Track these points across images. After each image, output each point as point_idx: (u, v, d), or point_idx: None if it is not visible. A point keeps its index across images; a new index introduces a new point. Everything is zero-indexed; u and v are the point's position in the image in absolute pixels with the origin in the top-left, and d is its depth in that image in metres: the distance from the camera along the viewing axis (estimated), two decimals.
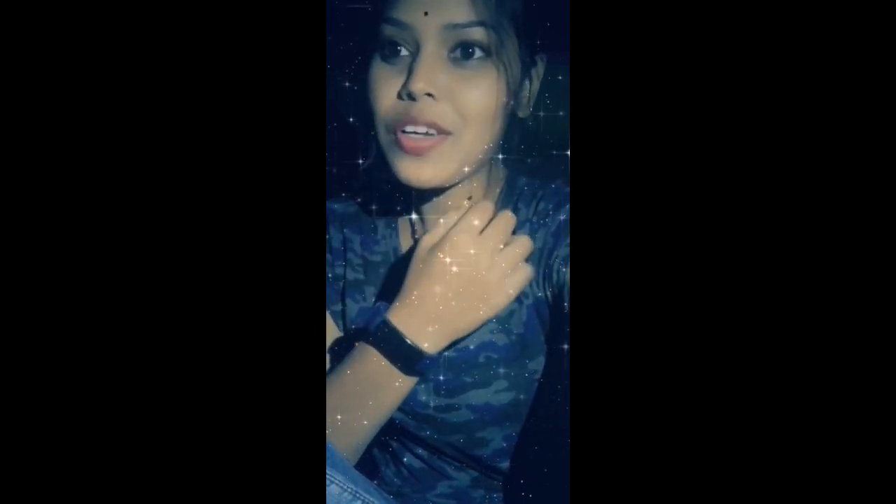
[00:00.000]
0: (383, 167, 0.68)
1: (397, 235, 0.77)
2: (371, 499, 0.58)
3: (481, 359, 0.71)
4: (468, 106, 0.64)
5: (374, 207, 0.77)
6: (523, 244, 0.64)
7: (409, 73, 0.63)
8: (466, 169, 0.67)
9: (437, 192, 0.70)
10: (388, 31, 0.64)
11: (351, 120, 0.74)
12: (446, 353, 0.68)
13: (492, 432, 0.73)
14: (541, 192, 0.72)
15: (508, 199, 0.73)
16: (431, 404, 0.72)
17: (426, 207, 0.73)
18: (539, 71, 0.70)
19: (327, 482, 0.56)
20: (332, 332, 0.78)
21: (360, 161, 0.72)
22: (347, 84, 0.70)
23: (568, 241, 0.67)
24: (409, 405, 0.72)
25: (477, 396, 0.71)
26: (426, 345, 0.63)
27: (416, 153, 0.64)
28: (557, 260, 0.67)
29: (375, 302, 0.76)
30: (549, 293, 0.69)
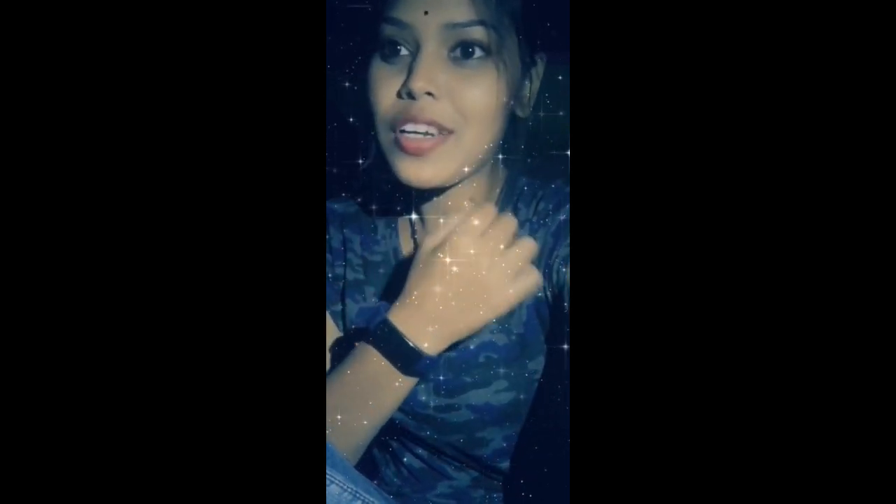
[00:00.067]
0: (383, 167, 0.68)
1: (397, 235, 0.77)
2: (371, 499, 0.58)
3: (481, 359, 0.71)
4: (468, 105, 0.64)
5: (374, 207, 0.77)
6: (526, 247, 0.63)
7: (409, 72, 0.63)
8: (466, 169, 0.67)
9: (437, 192, 0.70)
10: (388, 30, 0.64)
11: (351, 120, 0.74)
12: (446, 354, 0.68)
13: (492, 432, 0.73)
14: (541, 192, 0.72)
15: (508, 199, 0.73)
16: (431, 404, 0.72)
17: (426, 207, 0.73)
18: (539, 70, 0.70)
19: (327, 482, 0.56)
20: (332, 332, 0.78)
21: (360, 161, 0.72)
22: (347, 84, 0.70)
23: (568, 241, 0.67)
24: (409, 405, 0.72)
25: (477, 396, 0.71)
26: (426, 345, 0.63)
27: (417, 153, 0.64)
28: (557, 260, 0.67)
29: (377, 302, 0.76)
30: (548, 293, 0.69)
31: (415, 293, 0.63)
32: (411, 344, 0.63)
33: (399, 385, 0.64)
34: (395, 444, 0.79)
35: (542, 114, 0.71)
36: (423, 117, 0.63)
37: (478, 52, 0.64)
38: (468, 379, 0.72)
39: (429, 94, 0.63)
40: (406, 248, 0.76)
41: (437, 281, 0.63)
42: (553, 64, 0.71)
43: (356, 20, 0.67)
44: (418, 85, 0.63)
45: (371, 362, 0.64)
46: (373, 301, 0.76)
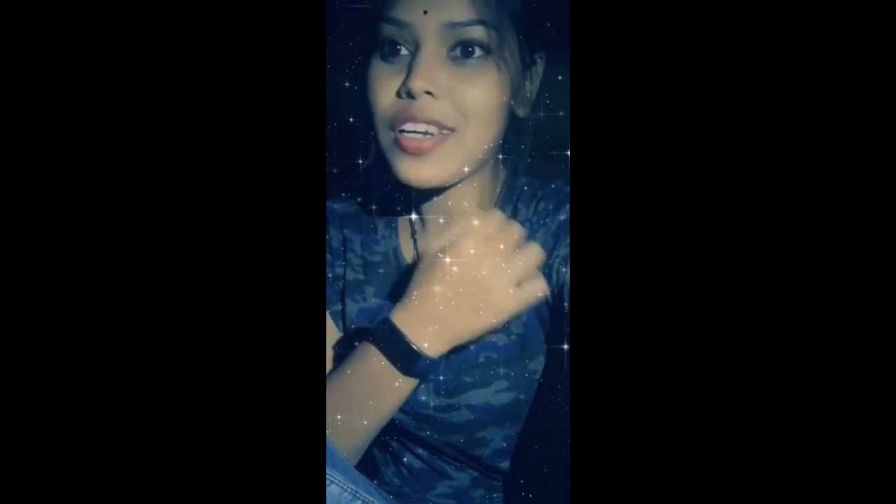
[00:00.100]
0: (383, 167, 0.68)
1: (397, 236, 0.77)
2: (371, 499, 0.58)
3: (481, 359, 0.71)
4: (468, 104, 0.64)
5: (373, 207, 0.77)
6: (533, 253, 0.62)
7: (409, 71, 0.63)
8: (466, 169, 0.67)
9: (437, 192, 0.70)
10: (388, 30, 0.64)
11: (351, 120, 0.74)
12: (447, 355, 0.68)
13: (492, 432, 0.73)
14: (541, 193, 0.72)
15: (508, 199, 0.73)
16: (431, 404, 0.72)
17: (426, 207, 0.73)
18: (539, 70, 0.70)
19: (327, 482, 0.56)
20: (332, 332, 0.78)
21: (360, 161, 0.72)
22: (347, 84, 0.70)
23: (568, 241, 0.67)
24: (409, 405, 0.72)
25: (477, 396, 0.71)
26: (426, 345, 0.63)
27: (417, 153, 0.64)
28: (557, 260, 0.67)
29: (378, 302, 0.76)
30: (548, 293, 0.69)
31: (418, 294, 0.63)
32: (412, 344, 0.63)
33: (399, 385, 0.64)
34: (395, 444, 0.79)
35: (542, 114, 0.71)
36: (423, 116, 0.63)
37: (478, 52, 0.64)
38: (468, 379, 0.72)
39: (428, 93, 0.63)
40: (406, 248, 0.76)
41: (440, 283, 0.62)
42: (553, 64, 0.71)
43: (356, 20, 0.67)
44: (417, 84, 0.62)
45: (371, 362, 0.64)
46: (373, 301, 0.76)
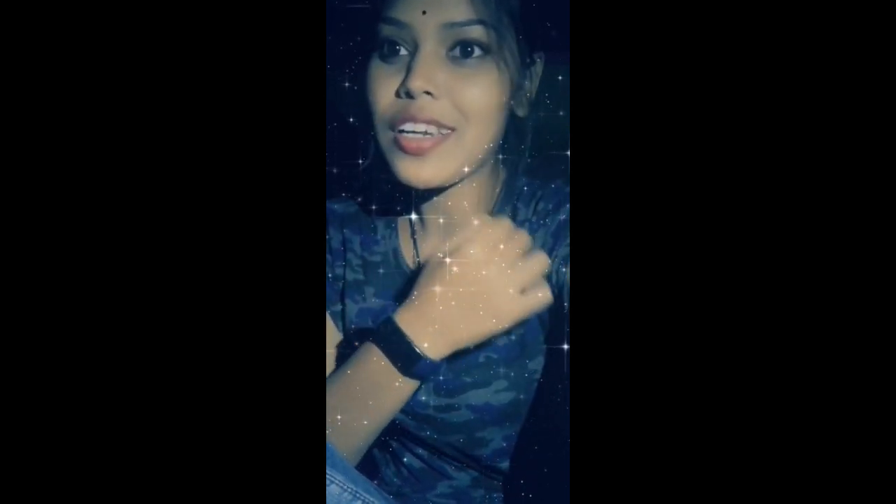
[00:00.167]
0: (383, 167, 0.68)
1: (397, 236, 0.77)
2: (371, 499, 0.58)
3: (481, 359, 0.71)
4: (468, 104, 0.64)
5: (373, 207, 0.77)
6: (538, 261, 0.63)
7: (408, 71, 0.63)
8: (466, 169, 0.66)
9: (437, 192, 0.70)
10: (387, 30, 0.64)
11: (351, 120, 0.74)
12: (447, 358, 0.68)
13: (492, 432, 0.73)
14: (540, 192, 0.72)
15: (508, 199, 0.73)
16: (431, 404, 0.72)
17: (426, 207, 0.73)
18: (538, 70, 0.70)
19: (327, 482, 0.56)
20: (332, 332, 0.78)
21: (360, 161, 0.72)
22: (347, 84, 0.70)
23: (567, 241, 0.67)
24: (409, 405, 0.72)
25: (477, 396, 0.71)
26: (426, 345, 0.63)
27: (417, 153, 0.64)
28: (557, 260, 0.67)
29: (380, 302, 0.76)
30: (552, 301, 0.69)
31: (421, 296, 0.63)
32: (413, 345, 0.63)
33: (399, 386, 0.64)
34: (395, 444, 0.79)
35: (542, 114, 0.71)
36: (423, 116, 0.63)
37: (477, 52, 0.64)
38: (468, 379, 0.72)
39: (427, 93, 0.63)
40: (406, 248, 0.76)
41: (445, 286, 0.62)
42: (552, 64, 0.71)
43: (356, 20, 0.67)
44: (416, 84, 0.62)
45: (372, 361, 0.64)
46: (373, 301, 0.76)
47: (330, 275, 0.78)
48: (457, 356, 0.65)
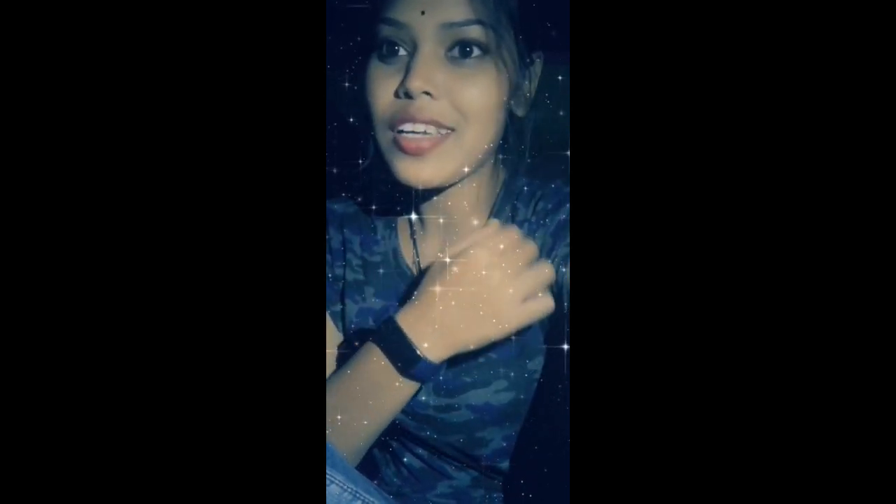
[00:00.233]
0: (383, 167, 0.68)
1: (397, 236, 0.77)
2: (371, 499, 0.58)
3: (481, 359, 0.71)
4: (467, 104, 0.64)
5: (373, 207, 0.77)
6: (543, 272, 0.63)
7: (407, 72, 0.63)
8: (466, 169, 0.67)
9: (437, 192, 0.70)
10: (386, 30, 0.64)
11: (351, 120, 0.74)
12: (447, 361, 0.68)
13: (492, 432, 0.73)
14: (540, 192, 0.72)
15: (507, 199, 0.73)
16: (431, 404, 0.72)
17: (426, 207, 0.73)
18: (536, 70, 0.70)
19: (327, 482, 0.56)
20: (332, 332, 0.78)
21: (360, 161, 0.72)
22: (347, 84, 0.70)
23: (567, 240, 0.67)
24: (409, 405, 0.72)
25: (477, 396, 0.71)
26: (426, 345, 0.63)
27: (416, 153, 0.64)
28: (556, 260, 0.67)
29: (380, 302, 0.76)
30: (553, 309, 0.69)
31: (423, 298, 0.63)
32: (413, 345, 0.63)
33: (399, 386, 0.64)
34: (395, 444, 0.79)
35: (541, 114, 0.71)
36: (422, 116, 0.63)
37: (476, 52, 0.64)
38: (468, 379, 0.72)
39: (426, 93, 0.63)
40: (406, 248, 0.76)
41: (448, 290, 0.63)
42: (552, 64, 0.71)
43: (356, 20, 0.67)
44: (415, 84, 0.62)
45: (372, 361, 0.64)
46: (373, 301, 0.76)
47: (330, 275, 0.78)
48: (456, 362, 0.65)
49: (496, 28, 0.64)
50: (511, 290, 0.61)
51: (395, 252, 0.76)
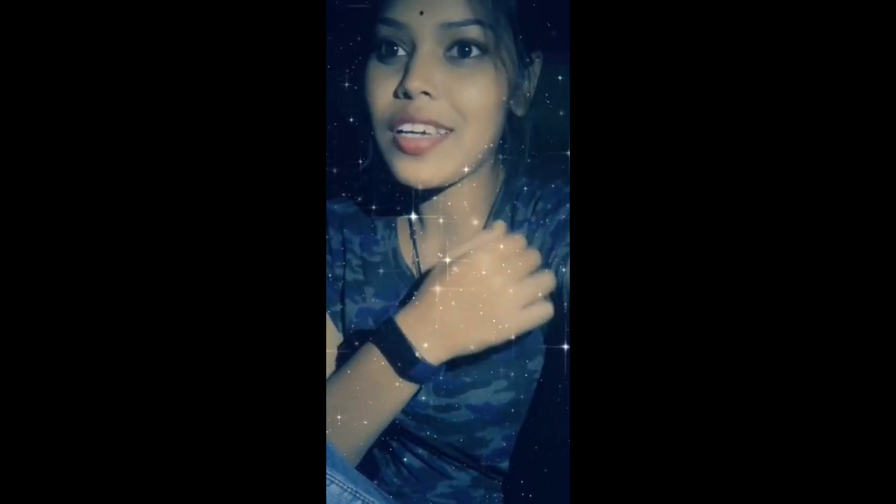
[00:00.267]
0: (383, 167, 0.68)
1: (396, 236, 0.77)
2: (371, 499, 0.58)
3: (481, 359, 0.71)
4: (466, 103, 0.64)
5: (373, 207, 0.77)
6: (545, 280, 0.63)
7: (406, 72, 0.63)
8: (466, 169, 0.66)
9: (437, 192, 0.70)
10: (384, 31, 0.64)
11: (351, 120, 0.74)
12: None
13: (492, 432, 0.73)
14: (539, 192, 0.72)
15: (507, 199, 0.73)
16: (431, 404, 0.72)
17: (426, 207, 0.73)
18: (536, 69, 0.70)
19: (327, 482, 0.56)
20: (332, 332, 0.78)
21: (360, 161, 0.72)
22: (347, 84, 0.70)
23: (567, 240, 0.67)
24: (408, 405, 0.72)
25: (477, 396, 0.71)
26: (425, 345, 0.63)
27: (415, 153, 0.64)
28: (556, 260, 0.67)
29: (381, 302, 0.76)
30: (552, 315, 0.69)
31: (424, 300, 0.64)
32: (412, 347, 0.63)
33: (399, 386, 0.64)
34: (395, 444, 0.79)
35: (541, 114, 0.71)
36: (421, 117, 0.63)
37: (475, 51, 0.64)
38: (468, 379, 0.72)
39: (425, 93, 0.63)
40: (405, 248, 0.76)
41: (446, 287, 0.63)
42: (550, 63, 0.71)
43: (356, 20, 0.67)
44: (414, 84, 0.62)
45: (372, 361, 0.64)
46: (372, 301, 0.76)
47: (330, 275, 0.78)
48: (457, 359, 0.65)
49: (495, 28, 0.64)
50: (511, 296, 0.62)
51: (395, 252, 0.76)
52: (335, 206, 0.79)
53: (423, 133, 0.64)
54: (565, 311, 0.64)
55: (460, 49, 0.64)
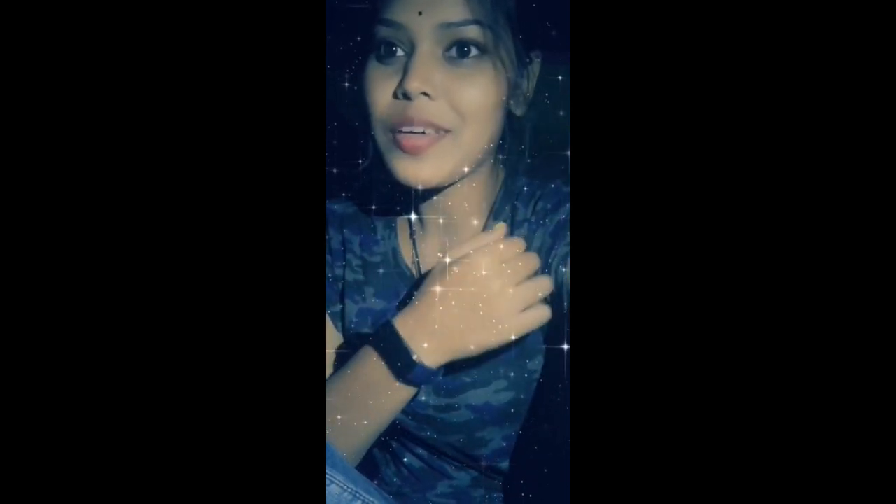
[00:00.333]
0: (383, 167, 0.68)
1: (396, 236, 0.77)
2: (371, 499, 0.58)
3: (481, 359, 0.71)
4: (465, 104, 0.64)
5: (373, 207, 0.77)
6: (542, 284, 0.64)
7: (405, 72, 0.63)
8: (465, 168, 0.66)
9: (437, 191, 0.70)
10: (383, 31, 0.64)
11: (356, 124, 0.74)
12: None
13: (492, 432, 0.73)
14: (539, 192, 0.72)
15: (507, 199, 0.73)
16: (431, 404, 0.72)
17: (425, 207, 0.73)
18: (535, 69, 0.70)
19: (327, 482, 0.56)
20: (331, 333, 0.78)
21: (360, 161, 0.72)
22: (347, 84, 0.70)
23: (567, 240, 0.67)
24: (408, 405, 0.72)
25: (476, 396, 0.71)
26: (425, 345, 0.63)
27: (415, 152, 0.64)
28: (556, 259, 0.67)
29: (380, 303, 0.76)
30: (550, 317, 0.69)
31: (422, 302, 0.64)
32: (409, 350, 0.63)
33: (398, 387, 0.64)
34: (395, 444, 0.79)
35: (541, 114, 0.71)
36: (420, 118, 0.63)
37: (473, 52, 0.64)
38: (468, 379, 0.72)
39: (425, 94, 0.63)
40: (405, 248, 0.76)
41: (447, 296, 0.63)
42: (550, 63, 0.71)
43: (356, 20, 0.67)
44: (413, 85, 0.62)
45: (370, 363, 0.65)
46: (372, 301, 0.76)
47: (330, 275, 0.78)
48: (453, 369, 0.65)
49: (494, 28, 0.63)
50: (511, 297, 0.62)
51: (395, 252, 0.76)
52: (335, 206, 0.79)
53: (423, 133, 0.64)
54: (565, 311, 0.64)
55: (459, 49, 0.63)
